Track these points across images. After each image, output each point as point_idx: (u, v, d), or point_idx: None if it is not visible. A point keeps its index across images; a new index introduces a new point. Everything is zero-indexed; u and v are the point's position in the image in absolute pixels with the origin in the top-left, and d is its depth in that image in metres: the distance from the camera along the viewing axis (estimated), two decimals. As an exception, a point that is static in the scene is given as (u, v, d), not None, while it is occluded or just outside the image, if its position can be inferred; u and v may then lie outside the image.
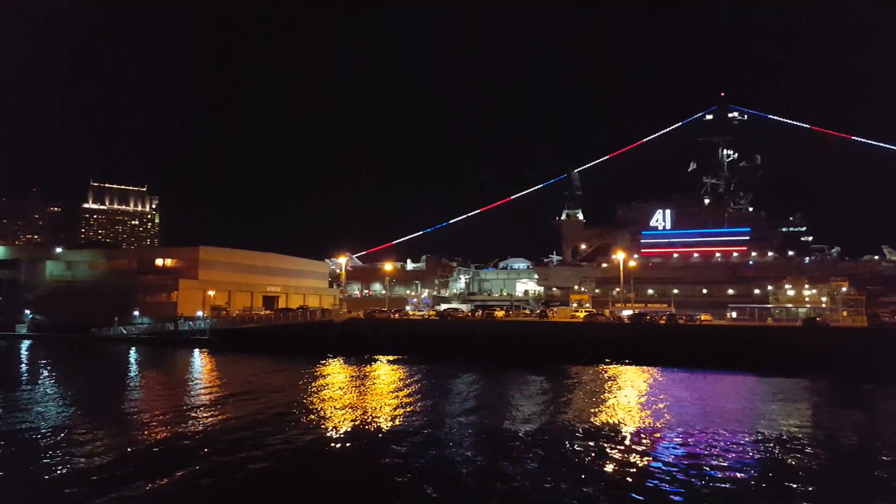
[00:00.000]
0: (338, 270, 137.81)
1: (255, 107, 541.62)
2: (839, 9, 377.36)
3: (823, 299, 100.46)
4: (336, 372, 60.28)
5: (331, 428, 33.53)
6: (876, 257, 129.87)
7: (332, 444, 30.37)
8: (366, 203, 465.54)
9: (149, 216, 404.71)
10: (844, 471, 26.53)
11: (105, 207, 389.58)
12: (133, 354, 75.74)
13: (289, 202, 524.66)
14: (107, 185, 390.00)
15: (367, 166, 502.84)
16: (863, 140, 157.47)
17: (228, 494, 23.06)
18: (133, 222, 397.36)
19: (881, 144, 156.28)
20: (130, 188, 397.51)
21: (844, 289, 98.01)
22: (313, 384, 50.75)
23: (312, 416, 36.67)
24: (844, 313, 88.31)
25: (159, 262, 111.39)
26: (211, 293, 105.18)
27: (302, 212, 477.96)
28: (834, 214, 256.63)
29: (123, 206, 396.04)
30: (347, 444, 30.40)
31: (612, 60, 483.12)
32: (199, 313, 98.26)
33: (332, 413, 38.02)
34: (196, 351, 79.47)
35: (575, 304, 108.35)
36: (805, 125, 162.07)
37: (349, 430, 33.12)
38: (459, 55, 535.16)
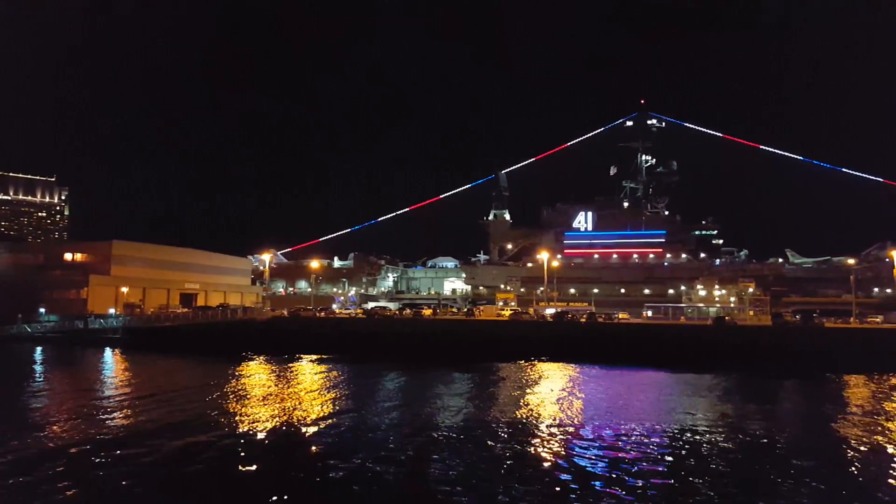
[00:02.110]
0: (261, 267, 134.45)
1: (174, 97, 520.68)
2: (749, 24, 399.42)
3: (732, 299, 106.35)
4: (257, 372, 58.81)
5: (249, 429, 32.65)
6: (780, 260, 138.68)
7: (250, 445, 29.55)
8: (292, 199, 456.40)
9: (57, 208, 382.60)
10: (747, 458, 28.09)
11: (9, 198, 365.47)
12: (38, 354, 71.44)
13: (211, 197, 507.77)
14: (11, 174, 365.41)
15: (294, 162, 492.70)
16: (769, 149, 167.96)
17: (139, 498, 22.17)
18: (40, 214, 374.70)
19: (786, 154, 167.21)
20: (37, 178, 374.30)
21: (751, 289, 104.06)
22: (232, 384, 49.26)
23: (229, 418, 35.56)
24: (751, 312, 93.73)
25: (68, 256, 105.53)
26: (124, 290, 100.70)
27: (225, 207, 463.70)
28: (743, 219, 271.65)
29: (29, 197, 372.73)
30: (266, 445, 29.67)
31: (540, 65, 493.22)
32: (112, 311, 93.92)
33: (250, 414, 37.03)
34: (107, 350, 75.74)
35: (501, 303, 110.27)
36: (717, 133, 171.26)
37: (268, 430, 32.37)
38: (392, 57, 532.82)
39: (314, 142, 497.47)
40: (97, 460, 25.92)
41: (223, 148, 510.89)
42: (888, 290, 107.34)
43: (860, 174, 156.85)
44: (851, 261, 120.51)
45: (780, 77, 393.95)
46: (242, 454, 27.94)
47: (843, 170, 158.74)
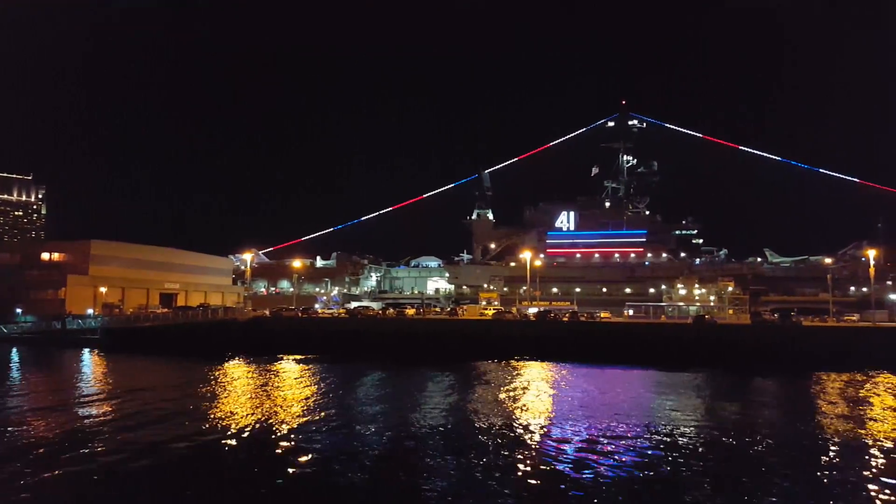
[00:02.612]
0: (243, 267, 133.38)
1: (152, 93, 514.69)
2: (726, 27, 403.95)
3: (712, 298, 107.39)
4: (238, 372, 58.38)
5: (227, 429, 32.30)
6: (759, 259, 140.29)
7: (226, 445, 29.22)
8: (274, 198, 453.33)
9: (34, 207, 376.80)
10: (724, 454, 28.41)
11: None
12: (14, 355, 70.34)
13: (192, 195, 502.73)
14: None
15: (275, 160, 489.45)
16: (748, 150, 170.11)
17: (108, 497, 21.98)
18: (16, 213, 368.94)
19: (764, 154, 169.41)
20: (13, 176, 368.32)
21: (730, 288, 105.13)
22: (211, 385, 48.83)
23: (205, 418, 35.21)
24: (730, 311, 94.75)
25: (46, 256, 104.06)
26: (103, 290, 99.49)
27: (206, 206, 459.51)
28: (722, 218, 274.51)
29: (5, 196, 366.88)
30: (242, 445, 29.33)
31: (524, 63, 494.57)
32: (90, 311, 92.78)
33: (227, 414, 36.71)
34: (85, 351, 74.81)
35: (484, 302, 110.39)
36: (697, 134, 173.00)
37: (245, 430, 32.11)
38: (371, 50, 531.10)
39: (299, 141, 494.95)
40: (66, 460, 25.56)
41: (207, 147, 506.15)
42: (864, 289, 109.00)
43: (837, 175, 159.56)
44: (829, 260, 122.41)
45: (760, 78, 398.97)
46: (217, 454, 27.76)
47: (821, 170, 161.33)
